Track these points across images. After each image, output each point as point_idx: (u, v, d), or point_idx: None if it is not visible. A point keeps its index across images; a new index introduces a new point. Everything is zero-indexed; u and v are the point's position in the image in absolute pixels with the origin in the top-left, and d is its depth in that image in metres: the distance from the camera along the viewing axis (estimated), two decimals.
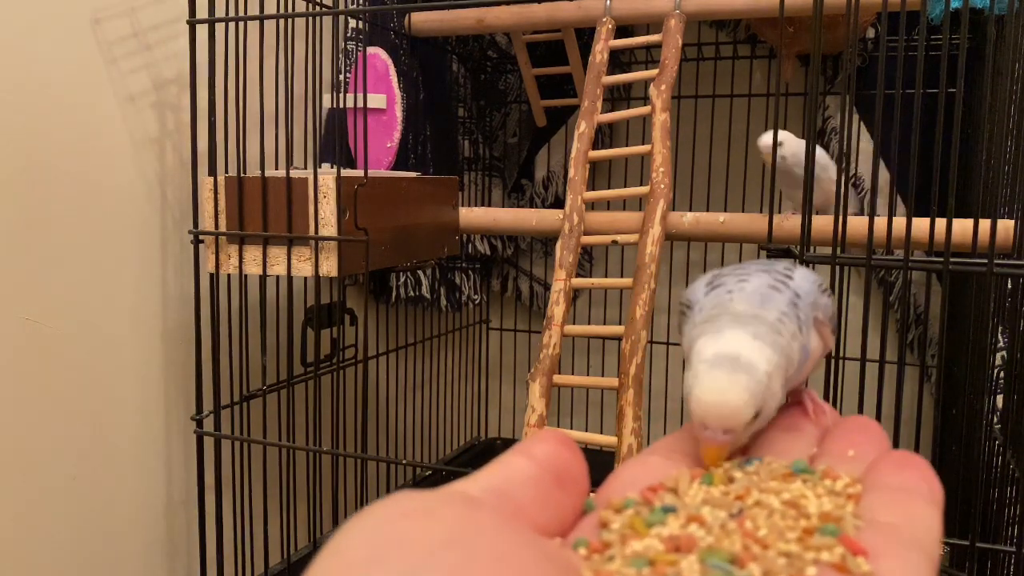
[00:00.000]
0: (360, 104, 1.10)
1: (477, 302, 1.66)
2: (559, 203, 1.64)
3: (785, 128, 1.03)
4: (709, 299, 0.40)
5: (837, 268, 0.88)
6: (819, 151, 1.04)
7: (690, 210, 1.18)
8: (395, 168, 1.25)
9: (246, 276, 1.03)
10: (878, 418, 0.86)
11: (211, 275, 1.03)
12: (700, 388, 0.35)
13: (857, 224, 0.95)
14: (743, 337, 0.36)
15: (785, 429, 0.39)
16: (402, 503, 0.22)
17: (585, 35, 1.39)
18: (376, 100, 1.23)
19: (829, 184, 1.05)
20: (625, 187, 1.48)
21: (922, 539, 0.27)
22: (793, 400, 0.41)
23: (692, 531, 0.26)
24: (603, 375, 1.69)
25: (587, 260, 1.71)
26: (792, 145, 1.04)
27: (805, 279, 0.41)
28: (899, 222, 0.89)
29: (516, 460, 0.28)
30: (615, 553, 0.25)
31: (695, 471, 0.32)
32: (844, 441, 0.36)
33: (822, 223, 0.95)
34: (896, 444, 0.90)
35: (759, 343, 0.36)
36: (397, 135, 1.25)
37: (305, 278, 1.08)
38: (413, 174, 1.17)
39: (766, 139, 1.01)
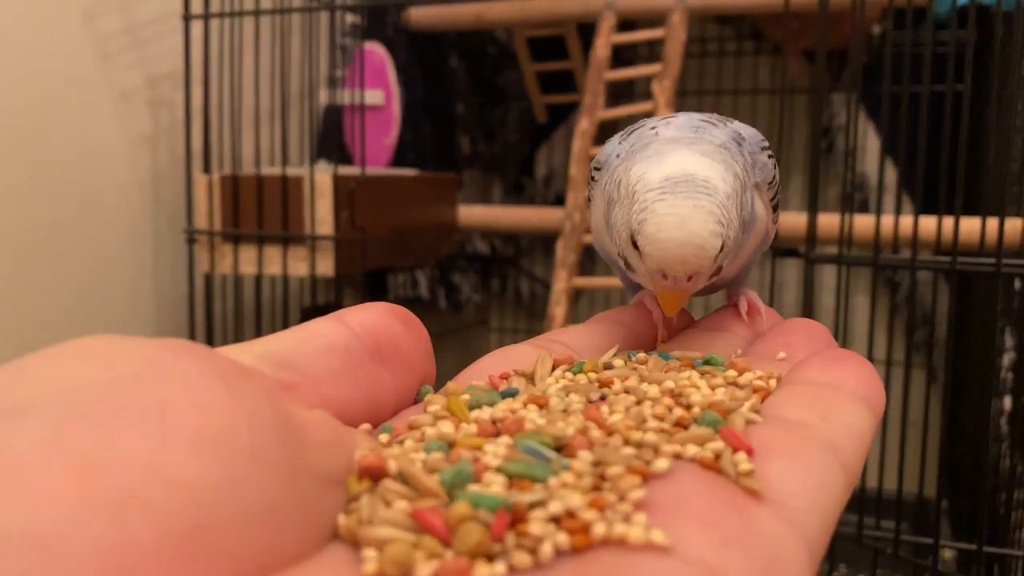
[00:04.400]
0: (357, 101, 1.08)
1: (476, 303, 1.65)
2: (560, 201, 1.62)
3: (791, 126, 1.01)
4: (628, 143, 0.33)
5: (843, 268, 0.87)
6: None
7: None
8: (393, 166, 1.24)
9: (241, 276, 1.02)
10: (884, 420, 0.85)
11: (205, 275, 1.02)
12: (654, 223, 0.28)
13: (863, 223, 0.94)
14: (690, 156, 0.29)
15: (709, 329, 0.33)
16: (79, 341, 0.16)
17: (586, 30, 1.38)
18: (374, 96, 1.21)
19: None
20: None
21: (837, 441, 0.21)
22: (728, 301, 0.35)
23: (524, 414, 0.21)
24: None
25: (588, 259, 1.70)
26: None
27: (747, 127, 0.35)
28: (906, 221, 0.88)
29: (321, 325, 0.22)
30: (408, 436, 0.21)
31: (564, 357, 0.27)
32: (777, 342, 0.29)
33: (828, 222, 0.94)
34: (903, 446, 0.88)
35: (709, 161, 0.29)
36: (395, 132, 1.23)
37: (301, 279, 1.06)
38: (411, 172, 1.15)
39: None
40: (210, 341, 1.02)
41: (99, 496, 0.13)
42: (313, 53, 1.02)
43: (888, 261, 0.87)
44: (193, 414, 0.15)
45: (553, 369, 0.26)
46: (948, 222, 0.83)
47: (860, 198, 1.36)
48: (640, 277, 0.31)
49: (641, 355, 0.28)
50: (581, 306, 1.71)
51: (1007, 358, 1.01)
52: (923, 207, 0.87)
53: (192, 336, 1.03)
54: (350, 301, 1.37)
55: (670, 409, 0.22)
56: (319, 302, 1.10)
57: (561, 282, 1.02)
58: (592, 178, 0.35)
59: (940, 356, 1.33)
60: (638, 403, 0.23)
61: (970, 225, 0.87)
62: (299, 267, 0.97)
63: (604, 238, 0.34)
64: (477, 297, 1.63)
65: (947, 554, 1.07)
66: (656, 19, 1.19)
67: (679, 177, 0.29)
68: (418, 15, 1.31)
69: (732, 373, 0.25)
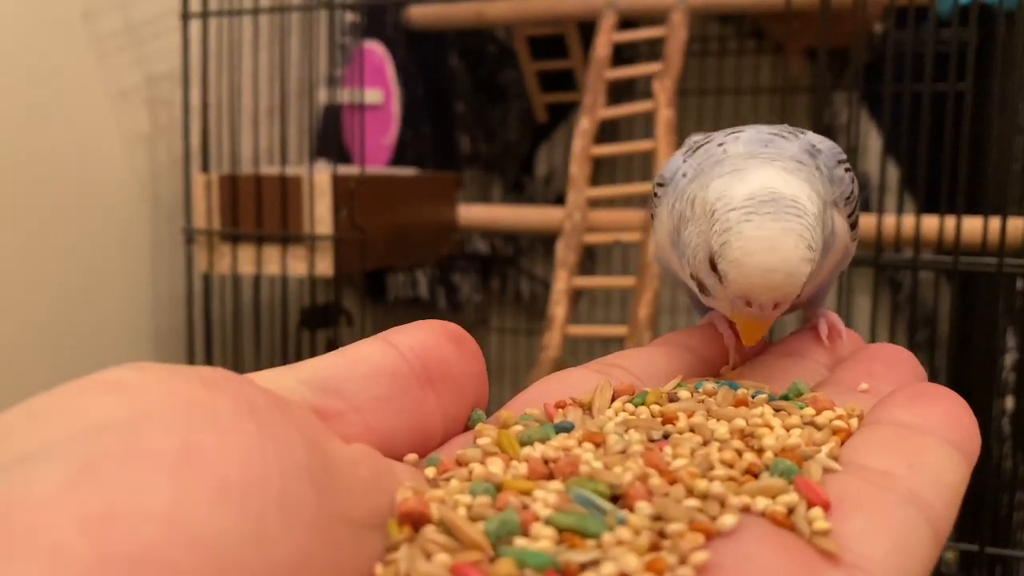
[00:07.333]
0: (357, 100, 1.08)
1: (476, 303, 1.64)
2: (561, 201, 1.61)
3: (792, 125, 1.00)
4: (695, 160, 0.31)
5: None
6: None
7: None
8: (392, 165, 1.23)
9: (239, 276, 1.01)
10: None
11: (204, 275, 1.02)
12: (739, 246, 0.26)
13: (865, 223, 0.94)
14: (773, 171, 0.27)
15: (785, 354, 0.30)
16: (109, 372, 0.15)
17: (587, 29, 1.37)
18: (373, 95, 1.20)
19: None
20: (628, 184, 1.46)
21: (924, 494, 0.19)
22: (806, 323, 0.33)
23: (578, 454, 0.20)
24: None
25: (589, 259, 1.69)
26: None
27: (823, 138, 0.32)
28: (907, 220, 0.87)
29: (367, 348, 0.21)
30: (454, 474, 0.19)
31: (625, 385, 0.25)
32: (859, 371, 0.27)
33: None
34: None
35: (794, 178, 0.27)
36: (394, 131, 1.23)
37: (300, 278, 1.06)
38: (411, 171, 1.15)
39: None
40: (208, 341, 1.02)
41: (115, 554, 0.12)
42: (312, 52, 1.01)
43: (890, 261, 0.87)
44: (219, 461, 0.14)
45: (613, 399, 0.24)
46: (950, 222, 0.83)
47: (862, 197, 1.36)
48: (716, 301, 0.29)
49: (709, 385, 0.26)
50: (581, 306, 1.71)
51: (1009, 358, 1.00)
52: (925, 206, 0.86)
53: (191, 336, 1.02)
54: (349, 301, 1.36)
55: (740, 453, 0.20)
56: (318, 302, 1.09)
57: (561, 282, 1.02)
58: (655, 194, 0.33)
59: (942, 356, 1.33)
60: (704, 444, 0.21)
61: (972, 225, 0.87)
62: (298, 267, 0.97)
63: (670, 257, 0.32)
64: (477, 297, 1.62)
65: (949, 555, 1.07)
66: (657, 17, 1.18)
67: (764, 195, 0.26)
68: (418, 13, 1.30)
69: (810, 412, 0.23)
